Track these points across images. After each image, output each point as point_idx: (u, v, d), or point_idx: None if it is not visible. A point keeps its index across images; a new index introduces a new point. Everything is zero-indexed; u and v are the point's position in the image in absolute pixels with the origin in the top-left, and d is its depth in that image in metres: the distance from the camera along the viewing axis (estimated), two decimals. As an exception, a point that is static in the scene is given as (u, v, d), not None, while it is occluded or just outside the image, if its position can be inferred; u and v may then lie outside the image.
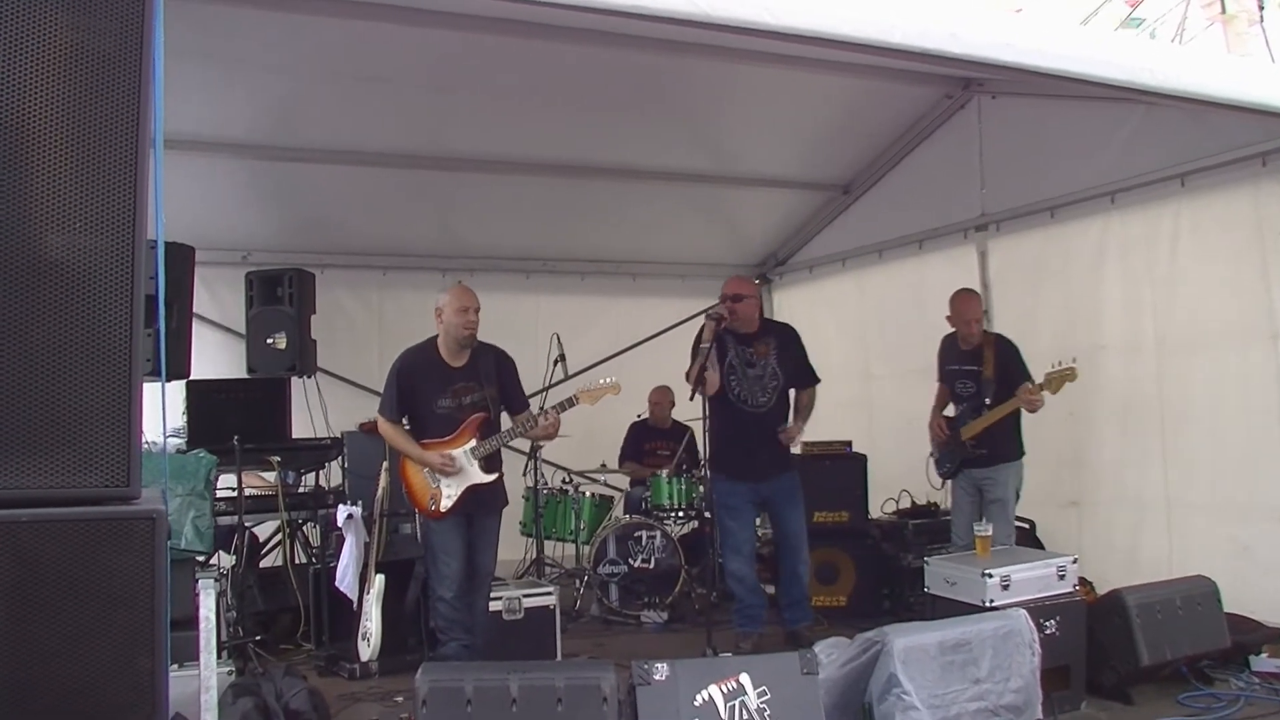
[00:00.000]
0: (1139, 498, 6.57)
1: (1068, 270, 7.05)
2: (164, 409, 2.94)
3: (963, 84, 7.42)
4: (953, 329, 6.47)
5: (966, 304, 6.43)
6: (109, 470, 2.16)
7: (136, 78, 2.22)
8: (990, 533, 5.56)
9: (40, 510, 2.09)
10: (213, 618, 3.55)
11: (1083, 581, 5.57)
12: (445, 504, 5.34)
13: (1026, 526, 6.80)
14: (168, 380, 3.83)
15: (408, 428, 5.51)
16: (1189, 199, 6.22)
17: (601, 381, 5.60)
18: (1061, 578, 5.12)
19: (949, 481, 6.58)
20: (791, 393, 6.33)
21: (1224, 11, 12.59)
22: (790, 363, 6.27)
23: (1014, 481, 6.26)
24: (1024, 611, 4.52)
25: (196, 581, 3.92)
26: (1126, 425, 6.61)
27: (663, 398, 8.40)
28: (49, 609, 2.08)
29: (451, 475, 5.33)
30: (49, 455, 2.11)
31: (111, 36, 2.17)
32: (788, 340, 6.37)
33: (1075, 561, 5.21)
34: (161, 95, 2.40)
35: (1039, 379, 5.93)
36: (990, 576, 4.92)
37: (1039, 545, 6.68)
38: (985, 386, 6.23)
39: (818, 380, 6.37)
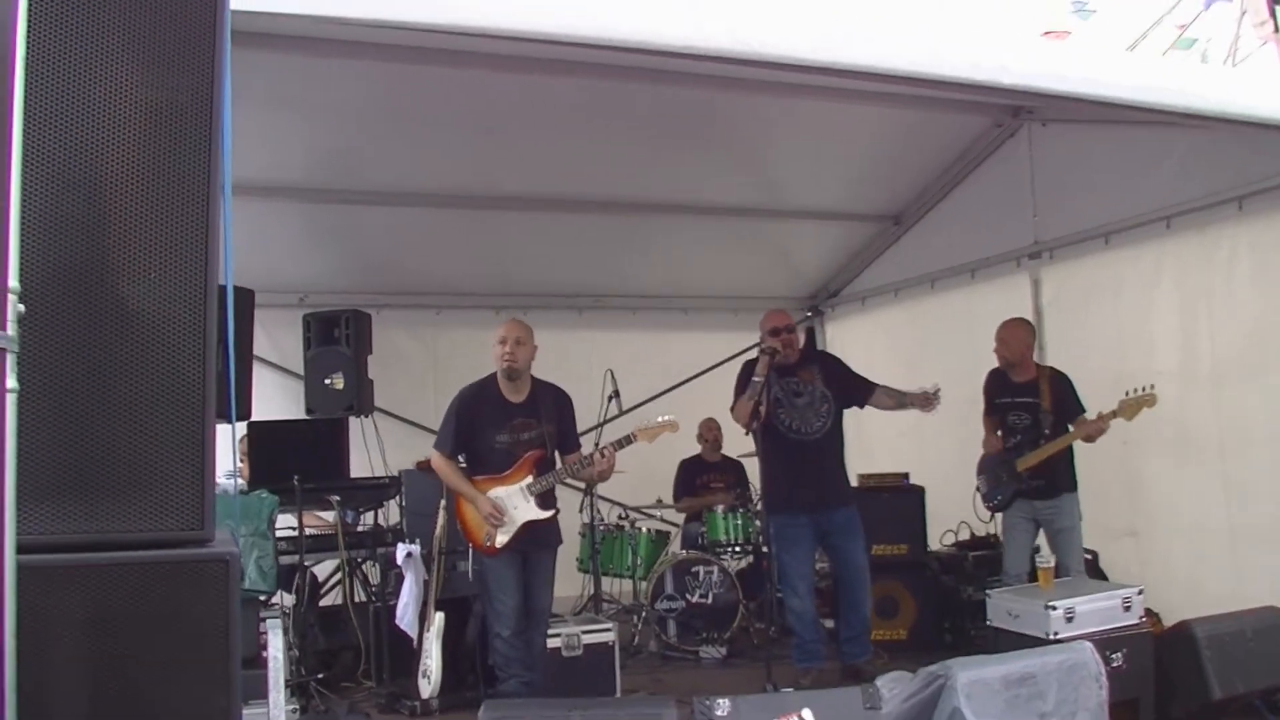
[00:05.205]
0: (1200, 527, 6.43)
1: (1122, 296, 6.96)
2: (234, 451, 3.00)
3: (1012, 112, 7.39)
4: (1001, 364, 6.41)
5: (1019, 333, 6.38)
6: (184, 514, 2.21)
7: (208, 130, 2.29)
8: (1052, 564, 5.50)
9: (119, 554, 2.14)
10: (280, 656, 3.59)
11: (1149, 613, 5.47)
12: (501, 540, 5.37)
13: (1089, 557, 6.69)
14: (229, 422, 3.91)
15: (463, 464, 5.56)
16: (1247, 222, 6.13)
17: (660, 420, 5.62)
18: (1127, 609, 5.02)
19: (998, 515, 6.52)
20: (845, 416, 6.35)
21: (1277, 30, 12.45)
22: (839, 382, 6.31)
23: (1077, 510, 6.17)
24: (1089, 644, 4.44)
25: (262, 621, 3.98)
26: (1184, 453, 6.49)
27: (712, 429, 8.41)
28: (128, 649, 2.12)
29: (500, 526, 5.36)
30: (127, 499, 2.17)
31: (185, 92, 2.24)
32: (830, 363, 6.50)
33: (1141, 592, 5.12)
34: (230, 146, 2.48)
35: (1113, 405, 5.85)
36: (1054, 609, 4.85)
37: (1102, 576, 6.58)
38: (1044, 418, 6.16)
39: (875, 385, 6.36)
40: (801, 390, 6.22)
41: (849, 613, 6.24)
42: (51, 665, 2.05)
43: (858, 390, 6.35)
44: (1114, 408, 5.84)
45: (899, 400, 6.26)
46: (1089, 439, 5.98)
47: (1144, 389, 5.76)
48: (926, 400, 6.09)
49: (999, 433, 6.44)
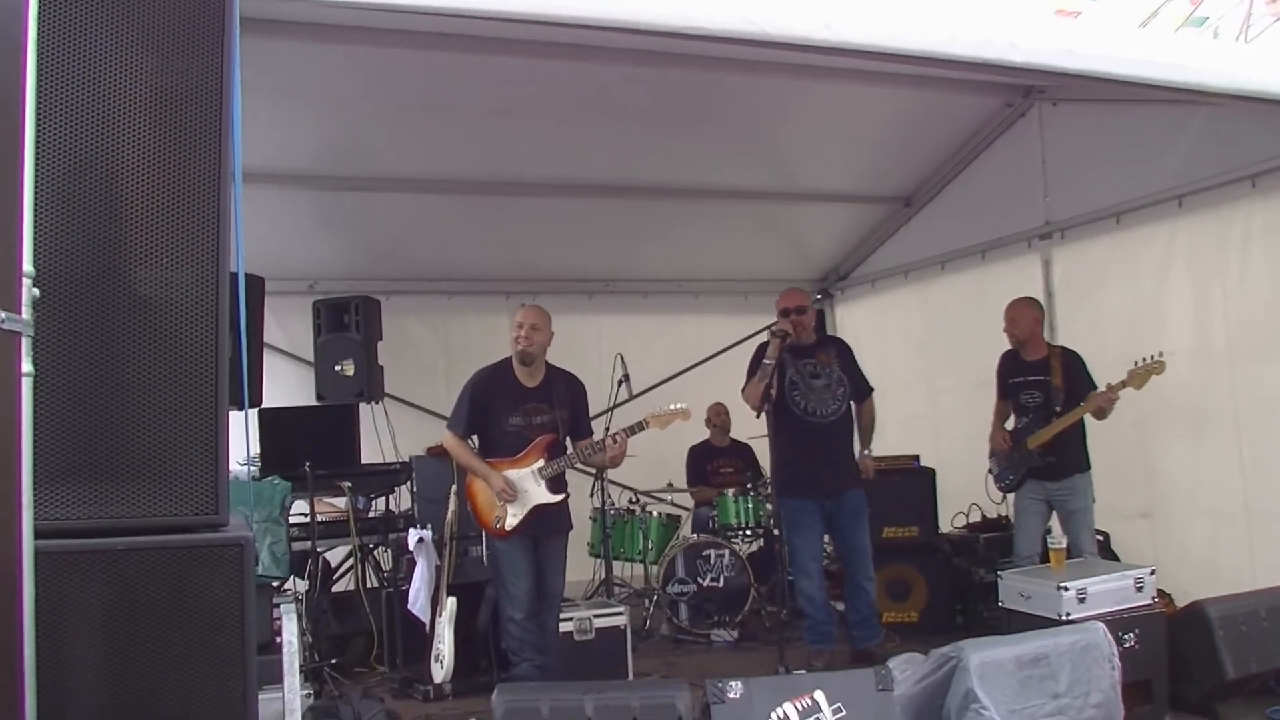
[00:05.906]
0: (1215, 507, 6.40)
1: (1135, 276, 6.92)
2: (247, 437, 3.00)
3: (1023, 92, 7.35)
4: (1011, 344, 6.40)
5: (1027, 311, 6.36)
6: (199, 499, 2.22)
7: (217, 117, 2.29)
8: (1064, 545, 5.49)
9: (135, 539, 2.15)
10: (295, 641, 3.61)
11: (1161, 594, 5.46)
12: (510, 522, 5.37)
13: (1101, 539, 6.67)
14: (241, 409, 3.91)
15: (475, 447, 5.57)
16: (1261, 200, 6.08)
17: (672, 407, 5.62)
18: (1139, 590, 5.00)
19: (1009, 495, 6.51)
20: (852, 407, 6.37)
21: (1289, 8, 12.34)
22: (850, 372, 6.30)
23: (1090, 491, 6.15)
24: (1102, 625, 4.44)
25: (276, 606, 4.00)
26: (1199, 432, 6.47)
27: (720, 414, 8.40)
28: (145, 633, 2.14)
29: (511, 501, 5.37)
30: (142, 485, 2.18)
31: (194, 78, 2.24)
32: (846, 351, 6.48)
33: (1153, 573, 5.11)
34: (239, 132, 2.47)
35: (1122, 376, 5.83)
36: (1066, 589, 4.84)
37: (1114, 557, 6.56)
38: (1055, 395, 6.14)
39: (872, 389, 6.44)
40: (819, 372, 6.22)
41: (854, 597, 6.24)
42: (68, 649, 2.07)
43: (858, 388, 6.36)
44: (1122, 378, 5.82)
45: (863, 436, 6.49)
46: (1100, 412, 5.95)
47: (1152, 357, 5.75)
48: (865, 468, 6.36)
49: (1011, 415, 6.43)
